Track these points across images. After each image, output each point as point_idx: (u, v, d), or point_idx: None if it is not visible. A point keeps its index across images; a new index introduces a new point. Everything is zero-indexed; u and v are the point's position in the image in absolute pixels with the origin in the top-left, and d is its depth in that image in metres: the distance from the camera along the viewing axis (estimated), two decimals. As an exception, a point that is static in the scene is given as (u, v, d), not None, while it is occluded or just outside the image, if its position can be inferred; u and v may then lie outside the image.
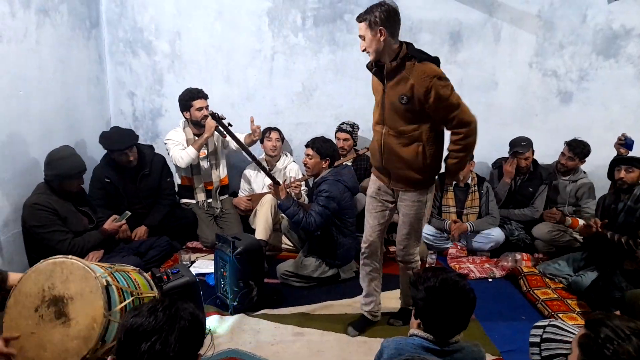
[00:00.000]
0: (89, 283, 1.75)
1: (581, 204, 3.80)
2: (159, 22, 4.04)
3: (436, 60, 2.28)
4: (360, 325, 2.70)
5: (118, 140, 3.38)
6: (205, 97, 3.70)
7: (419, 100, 2.19)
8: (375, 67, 2.33)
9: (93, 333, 1.70)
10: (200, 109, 3.64)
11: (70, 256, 1.83)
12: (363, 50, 2.28)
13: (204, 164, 3.83)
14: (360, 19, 2.24)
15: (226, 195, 4.02)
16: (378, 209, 2.57)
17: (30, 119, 3.10)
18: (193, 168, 3.79)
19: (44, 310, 1.75)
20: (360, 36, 2.26)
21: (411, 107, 2.23)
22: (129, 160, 3.42)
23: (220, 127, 2.90)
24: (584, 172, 3.87)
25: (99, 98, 4.07)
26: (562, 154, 3.82)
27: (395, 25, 2.22)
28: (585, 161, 3.78)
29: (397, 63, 2.21)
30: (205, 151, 3.80)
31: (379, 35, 2.19)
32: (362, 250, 2.66)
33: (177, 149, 3.67)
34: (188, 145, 3.67)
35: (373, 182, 2.59)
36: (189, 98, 3.66)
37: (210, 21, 4.01)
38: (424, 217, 2.52)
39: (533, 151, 3.82)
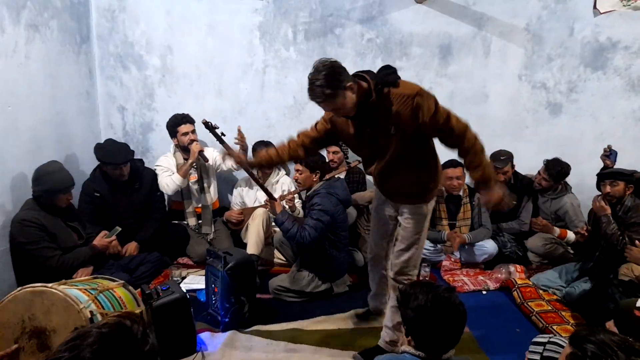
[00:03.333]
0: (72, 315, 1.69)
1: (567, 222, 3.72)
2: (150, 36, 4.05)
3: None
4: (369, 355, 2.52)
5: (114, 154, 3.37)
6: (191, 121, 3.68)
7: (408, 124, 2.06)
8: (348, 117, 2.16)
9: None
10: (185, 133, 3.64)
11: (50, 285, 1.76)
12: (344, 116, 2.14)
13: (194, 188, 3.81)
14: (318, 100, 2.02)
15: (217, 217, 3.99)
16: (380, 224, 2.55)
17: (19, 133, 3.07)
18: (183, 193, 3.77)
19: (24, 342, 1.69)
20: (336, 109, 2.08)
21: (402, 135, 2.11)
22: (122, 175, 3.40)
23: (214, 137, 2.86)
24: (566, 188, 3.80)
25: (89, 112, 4.05)
26: (539, 172, 3.80)
27: (346, 72, 2.04)
28: (561, 183, 3.75)
29: (376, 97, 2.07)
30: (196, 175, 3.78)
31: (349, 93, 2.02)
32: (368, 258, 2.74)
33: (165, 175, 3.65)
34: (177, 171, 3.66)
35: (376, 196, 2.56)
36: (174, 124, 3.66)
37: (201, 35, 4.02)
38: (424, 232, 2.39)
39: (513, 165, 3.82)
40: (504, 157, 3.76)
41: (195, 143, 3.63)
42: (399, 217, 2.42)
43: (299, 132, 2.50)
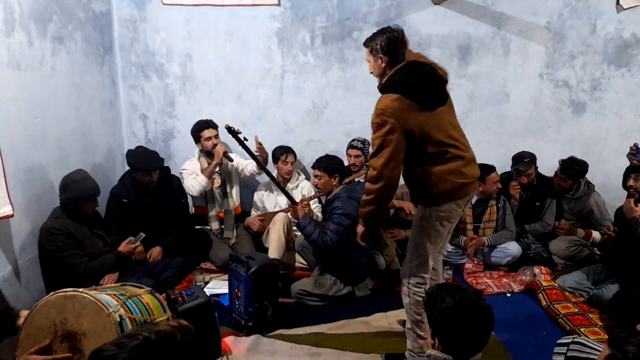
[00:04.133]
0: (102, 319, 1.72)
1: (593, 222, 3.65)
2: (170, 45, 4.12)
3: (403, 87, 2.17)
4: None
5: (146, 160, 3.45)
6: (214, 126, 3.75)
7: None
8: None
9: None
10: (209, 138, 3.70)
11: (81, 290, 1.80)
12: (371, 72, 2.36)
13: (217, 192, 3.85)
14: (365, 44, 2.33)
15: (239, 223, 4.03)
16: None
17: (46, 144, 3.15)
18: (207, 197, 3.82)
19: (57, 345, 1.72)
20: (366, 60, 2.35)
21: None
22: (151, 181, 3.47)
23: (236, 142, 2.90)
24: (589, 187, 3.73)
25: (112, 121, 4.13)
26: (555, 173, 3.74)
27: (398, 52, 2.25)
28: (581, 181, 3.68)
29: (379, 89, 2.28)
30: (219, 180, 3.83)
31: (380, 61, 2.26)
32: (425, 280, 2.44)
33: (190, 178, 3.71)
34: (202, 172, 3.72)
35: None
36: (198, 129, 3.74)
37: (220, 43, 4.08)
38: (428, 240, 2.33)
39: (536, 167, 3.76)
40: (527, 160, 3.71)
41: (219, 145, 3.68)
42: None
43: (394, 157, 2.19)
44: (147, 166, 3.42)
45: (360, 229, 2.44)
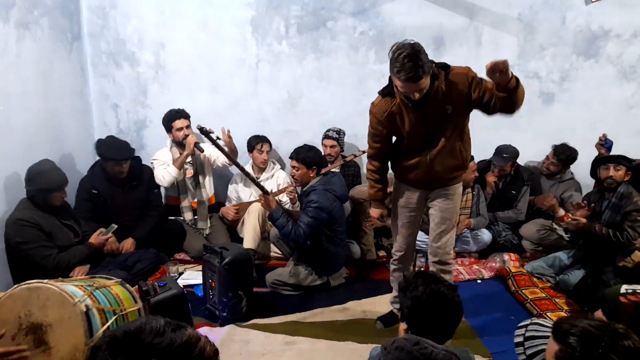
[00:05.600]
0: (67, 309, 1.70)
1: (568, 207, 3.77)
2: (142, 33, 4.03)
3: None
4: (389, 320, 2.77)
5: (116, 150, 3.38)
6: (186, 116, 3.70)
7: (463, 100, 2.25)
8: (411, 101, 2.24)
9: None
10: (180, 129, 3.65)
11: (45, 280, 1.76)
12: (418, 98, 2.18)
13: (190, 183, 3.81)
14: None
15: (213, 213, 4.00)
16: (411, 218, 2.61)
17: (12, 133, 3.07)
18: (180, 187, 3.77)
19: (21, 338, 1.69)
20: (418, 90, 2.12)
21: (454, 112, 2.29)
22: (121, 171, 3.41)
23: (209, 141, 2.87)
24: (572, 173, 3.91)
25: (82, 111, 4.03)
26: (547, 157, 3.85)
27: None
28: (569, 167, 3.82)
29: (438, 81, 2.22)
30: (192, 170, 3.79)
31: (428, 75, 2.13)
32: (395, 257, 2.73)
33: (161, 168, 3.66)
34: (173, 163, 3.67)
35: (406, 193, 2.57)
36: (169, 119, 3.69)
37: (193, 31, 4.01)
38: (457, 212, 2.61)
39: (513, 164, 3.82)
40: (506, 156, 3.76)
41: (190, 135, 3.64)
42: (435, 201, 2.54)
43: (374, 155, 2.57)
44: (117, 156, 3.35)
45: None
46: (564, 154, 3.74)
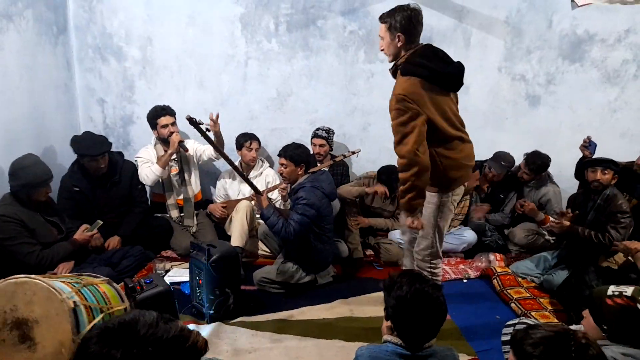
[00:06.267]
0: (54, 305, 1.67)
1: (548, 210, 3.79)
2: (129, 27, 3.98)
3: (425, 71, 2.15)
4: None
5: (91, 146, 3.30)
6: (171, 113, 3.65)
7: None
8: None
9: (61, 358, 1.62)
10: (165, 126, 3.60)
11: (33, 275, 1.73)
12: (381, 50, 2.25)
13: (176, 180, 3.77)
14: (381, 20, 2.19)
15: (200, 210, 3.97)
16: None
17: (-5, 127, 3.01)
18: (165, 185, 3.73)
19: (5, 334, 1.65)
20: (379, 36, 2.22)
21: None
22: (99, 168, 3.34)
23: (198, 132, 2.83)
24: (549, 177, 3.92)
25: (68, 105, 3.97)
26: (519, 166, 3.89)
27: (415, 31, 2.17)
28: (542, 175, 3.84)
29: (392, 70, 2.20)
30: (177, 167, 3.75)
31: (396, 40, 2.16)
32: (406, 246, 2.76)
33: (144, 167, 3.61)
34: (157, 161, 3.62)
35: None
36: (154, 116, 3.63)
37: (182, 26, 3.97)
38: (438, 221, 2.44)
39: (508, 172, 3.87)
40: (504, 164, 3.80)
41: (175, 133, 3.60)
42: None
43: (420, 141, 2.17)
44: (91, 151, 3.27)
45: (408, 221, 2.32)
46: (535, 164, 3.74)
